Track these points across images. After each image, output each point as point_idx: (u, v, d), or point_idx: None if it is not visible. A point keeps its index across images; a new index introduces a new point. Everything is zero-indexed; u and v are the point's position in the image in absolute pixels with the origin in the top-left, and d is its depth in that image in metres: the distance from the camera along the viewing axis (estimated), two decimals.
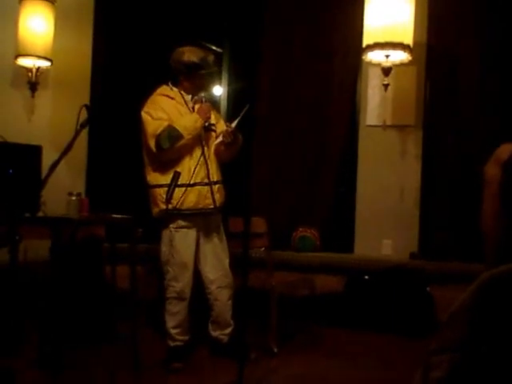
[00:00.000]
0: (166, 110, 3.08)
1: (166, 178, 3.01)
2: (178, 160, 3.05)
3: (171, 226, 3.08)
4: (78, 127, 2.63)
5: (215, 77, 2.92)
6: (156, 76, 4.75)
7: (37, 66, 4.27)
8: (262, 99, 4.73)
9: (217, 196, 3.13)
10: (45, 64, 4.30)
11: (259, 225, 3.46)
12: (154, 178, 3.10)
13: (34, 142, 2.67)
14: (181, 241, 3.07)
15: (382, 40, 3.88)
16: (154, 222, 3.18)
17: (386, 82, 4.16)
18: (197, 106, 3.17)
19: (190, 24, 4.81)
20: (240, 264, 3.14)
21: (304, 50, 4.80)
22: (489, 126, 4.22)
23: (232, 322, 3.25)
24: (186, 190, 3.01)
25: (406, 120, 4.51)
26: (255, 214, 3.26)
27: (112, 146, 4.76)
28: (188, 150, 3.07)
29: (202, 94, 3.20)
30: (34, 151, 2.52)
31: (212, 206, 3.11)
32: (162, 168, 3.07)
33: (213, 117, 3.28)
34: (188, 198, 3.02)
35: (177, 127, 2.99)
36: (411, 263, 4.20)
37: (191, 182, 3.03)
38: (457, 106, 4.41)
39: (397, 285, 4.03)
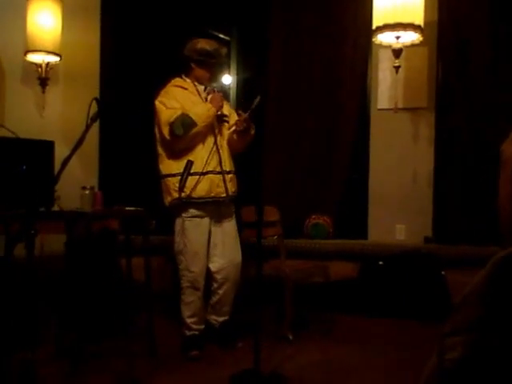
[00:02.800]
0: (179, 99, 3.12)
1: (179, 167, 3.03)
2: (190, 149, 3.09)
3: (183, 215, 3.11)
4: (89, 121, 2.63)
5: (225, 69, 2.99)
6: (164, 67, 4.77)
7: (46, 61, 4.28)
8: (272, 85, 4.71)
9: (229, 185, 3.16)
10: (54, 59, 4.32)
11: (271, 213, 3.47)
12: (166, 167, 3.13)
13: (46, 138, 2.69)
14: (193, 230, 3.10)
15: (392, 21, 3.80)
16: (166, 213, 3.20)
17: (396, 64, 4.09)
18: (209, 97, 3.22)
19: (198, 14, 4.79)
20: (254, 253, 3.16)
21: (313, 34, 4.75)
22: (503, 107, 4.14)
23: (229, 312, 3.29)
24: (198, 179, 3.03)
25: (417, 102, 4.46)
26: (267, 203, 3.27)
27: (123, 139, 4.79)
28: (201, 138, 3.11)
29: (214, 85, 3.23)
30: (47, 146, 2.54)
31: (224, 195, 3.13)
32: (175, 157, 3.10)
33: (226, 108, 3.31)
34: (200, 187, 3.05)
35: (190, 115, 3.03)
36: (425, 248, 4.19)
37: (203, 171, 3.05)
38: (470, 87, 4.33)
39: (411, 270, 4.02)
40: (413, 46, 4.07)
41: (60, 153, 2.57)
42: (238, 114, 3.20)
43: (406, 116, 4.50)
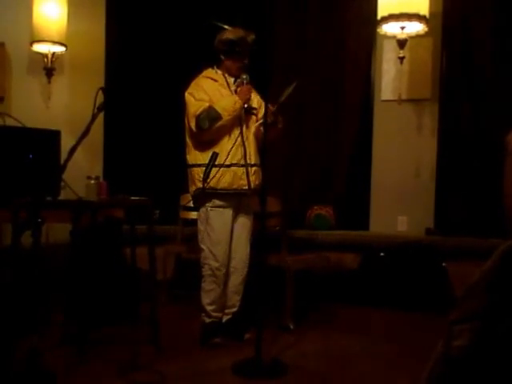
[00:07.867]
0: (208, 91, 3.14)
1: (204, 158, 3.07)
2: (216, 140, 3.11)
3: (207, 204, 3.15)
4: (95, 110, 2.66)
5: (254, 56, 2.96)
6: (169, 57, 4.79)
7: (52, 51, 4.31)
8: (275, 74, 4.70)
9: (252, 178, 3.17)
10: (60, 49, 4.34)
11: (273, 204, 3.49)
12: (193, 157, 3.17)
13: (52, 127, 2.71)
14: (217, 219, 3.14)
15: (397, 11, 3.81)
16: (170, 204, 3.22)
17: (401, 55, 4.10)
18: (239, 89, 3.21)
19: (202, 4, 4.79)
20: (256, 243, 3.19)
21: (317, 24, 4.74)
22: (507, 98, 4.13)
23: (238, 304, 3.30)
24: (222, 171, 3.07)
25: (421, 93, 4.46)
26: (269, 194, 3.29)
27: (128, 129, 4.82)
28: (227, 131, 3.12)
29: (244, 76, 3.21)
30: (53, 136, 2.56)
31: (246, 188, 3.15)
32: (201, 148, 3.13)
33: (255, 101, 3.30)
34: (223, 179, 3.08)
35: (216, 108, 3.05)
36: (427, 239, 4.21)
37: (227, 163, 3.08)
38: (474, 78, 4.32)
39: (412, 261, 4.05)
40: (417, 36, 4.06)
41: (66, 142, 2.60)
42: (268, 106, 3.20)
43: (410, 107, 4.50)
